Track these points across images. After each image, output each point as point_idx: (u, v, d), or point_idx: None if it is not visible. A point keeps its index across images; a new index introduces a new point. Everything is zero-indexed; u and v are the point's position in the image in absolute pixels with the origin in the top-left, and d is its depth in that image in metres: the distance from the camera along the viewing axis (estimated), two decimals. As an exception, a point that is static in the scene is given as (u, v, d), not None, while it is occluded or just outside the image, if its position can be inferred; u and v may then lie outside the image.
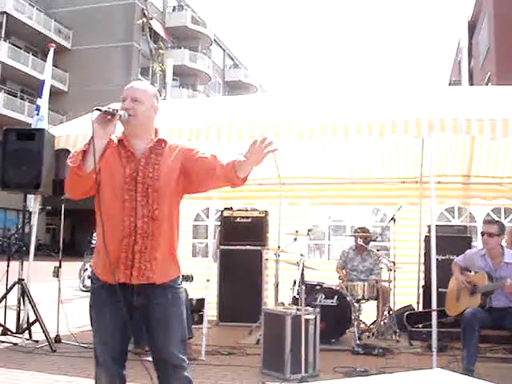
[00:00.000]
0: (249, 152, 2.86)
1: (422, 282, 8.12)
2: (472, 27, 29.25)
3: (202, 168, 3.04)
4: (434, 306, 5.63)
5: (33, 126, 7.47)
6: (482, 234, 5.78)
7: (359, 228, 8.33)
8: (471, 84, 28.18)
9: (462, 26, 29.40)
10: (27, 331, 6.61)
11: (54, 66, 10.78)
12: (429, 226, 7.21)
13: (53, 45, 8.27)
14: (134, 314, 3.05)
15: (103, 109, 2.85)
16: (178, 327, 3.07)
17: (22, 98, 32.22)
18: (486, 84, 24.58)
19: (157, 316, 3.03)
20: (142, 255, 2.97)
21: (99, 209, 2.98)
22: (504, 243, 6.32)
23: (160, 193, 2.99)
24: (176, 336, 3.06)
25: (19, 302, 6.76)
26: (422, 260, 8.18)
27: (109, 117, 2.86)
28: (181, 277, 3.20)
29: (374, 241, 8.53)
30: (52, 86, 9.97)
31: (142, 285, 3.00)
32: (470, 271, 5.94)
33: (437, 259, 5.81)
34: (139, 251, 2.96)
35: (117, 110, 2.90)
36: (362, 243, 7.80)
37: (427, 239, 7.57)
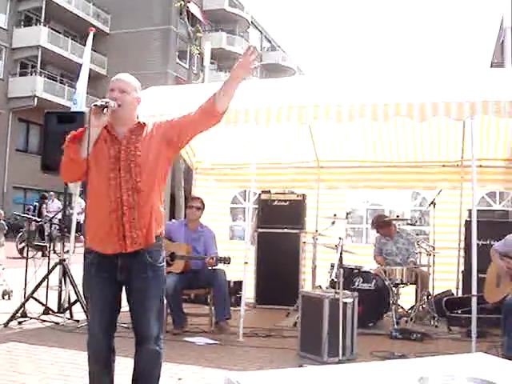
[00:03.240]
0: (237, 65, 3.17)
1: (462, 268, 8.02)
2: (515, 7, 28.52)
3: (185, 121, 3.33)
4: (474, 291, 5.56)
5: (72, 110, 7.57)
6: (525, 217, 5.66)
7: (374, 218, 8.28)
8: (514, 66, 27.48)
9: (505, 5, 28.62)
10: (68, 311, 6.75)
11: (92, 50, 10.87)
12: (469, 211, 7.10)
13: (93, 28, 8.34)
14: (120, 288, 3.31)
15: (97, 103, 3.15)
16: (154, 301, 3.28)
17: (61, 82, 32.46)
18: (530, 66, 23.97)
19: (137, 288, 3.25)
20: (132, 225, 3.19)
21: (89, 189, 3.31)
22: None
23: (142, 167, 3.23)
24: (151, 309, 3.27)
25: (60, 283, 6.91)
26: (462, 245, 8.06)
27: (102, 109, 3.16)
28: (162, 237, 3.40)
29: (414, 225, 8.44)
30: (91, 69, 10.05)
31: (125, 259, 3.21)
32: (511, 257, 5.83)
33: (477, 244, 5.73)
34: (128, 221, 3.19)
35: (107, 103, 3.18)
36: (388, 226, 7.79)
37: (468, 224, 7.43)
